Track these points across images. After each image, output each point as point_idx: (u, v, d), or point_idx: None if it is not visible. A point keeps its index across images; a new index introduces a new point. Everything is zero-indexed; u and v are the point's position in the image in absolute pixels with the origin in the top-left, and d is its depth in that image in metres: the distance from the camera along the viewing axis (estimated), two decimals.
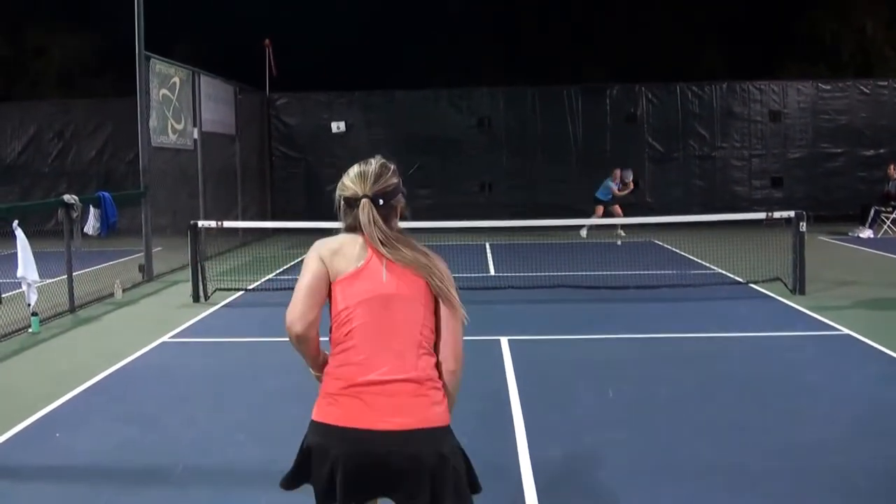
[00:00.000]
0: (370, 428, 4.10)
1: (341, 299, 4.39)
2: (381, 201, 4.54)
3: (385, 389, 4.16)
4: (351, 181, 4.73)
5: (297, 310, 4.49)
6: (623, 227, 25.79)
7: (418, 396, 4.22)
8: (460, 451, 4.44)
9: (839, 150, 30.59)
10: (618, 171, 26.31)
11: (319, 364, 4.77)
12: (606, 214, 25.59)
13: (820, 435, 8.19)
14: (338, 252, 4.40)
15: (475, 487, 4.50)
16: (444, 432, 4.34)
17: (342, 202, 4.64)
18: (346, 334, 4.41)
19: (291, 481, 4.67)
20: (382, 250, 4.33)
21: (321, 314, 4.51)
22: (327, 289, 4.41)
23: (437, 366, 4.44)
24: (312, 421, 4.40)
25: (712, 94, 30.82)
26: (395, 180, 4.76)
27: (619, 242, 24.78)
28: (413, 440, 4.13)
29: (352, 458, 4.10)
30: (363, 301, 4.32)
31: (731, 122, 30.81)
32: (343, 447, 4.13)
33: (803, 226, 15.72)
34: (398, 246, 4.37)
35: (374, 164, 4.82)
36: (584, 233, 25.81)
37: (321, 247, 4.43)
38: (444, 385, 4.47)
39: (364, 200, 4.52)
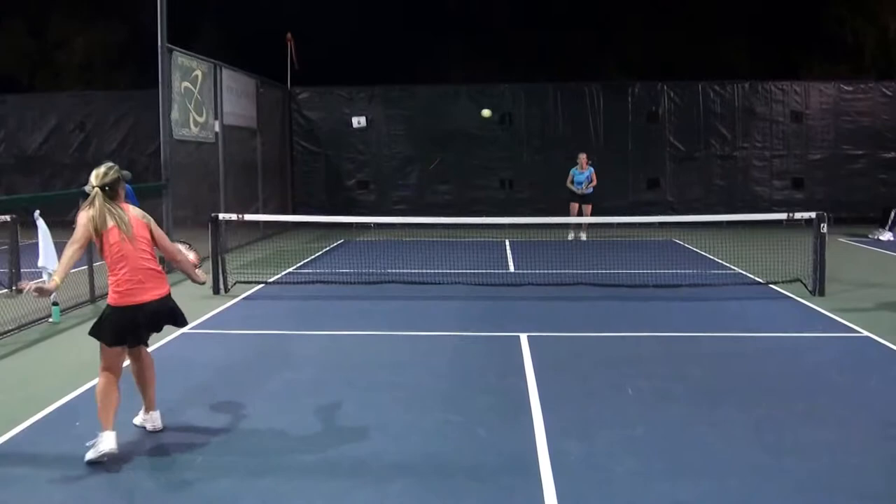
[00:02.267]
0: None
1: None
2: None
3: None
4: None
5: None
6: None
7: None
8: None
9: (860, 152, 30.44)
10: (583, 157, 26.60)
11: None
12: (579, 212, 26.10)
13: (838, 436, 8.18)
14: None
15: None
16: None
17: None
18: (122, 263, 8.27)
19: None
20: None
21: None
22: None
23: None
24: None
25: (734, 93, 30.70)
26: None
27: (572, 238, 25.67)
28: None
29: None
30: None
31: (753, 122, 30.67)
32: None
33: (824, 227, 15.66)
34: None
35: None
36: (572, 236, 25.63)
37: None
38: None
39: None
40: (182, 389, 9.96)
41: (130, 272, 7.99)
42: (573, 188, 25.81)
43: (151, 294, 8.16)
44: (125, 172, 8.56)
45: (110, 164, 8.34)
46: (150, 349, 11.66)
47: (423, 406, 9.21)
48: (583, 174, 25.79)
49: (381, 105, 31.46)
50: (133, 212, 8.27)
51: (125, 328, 8.05)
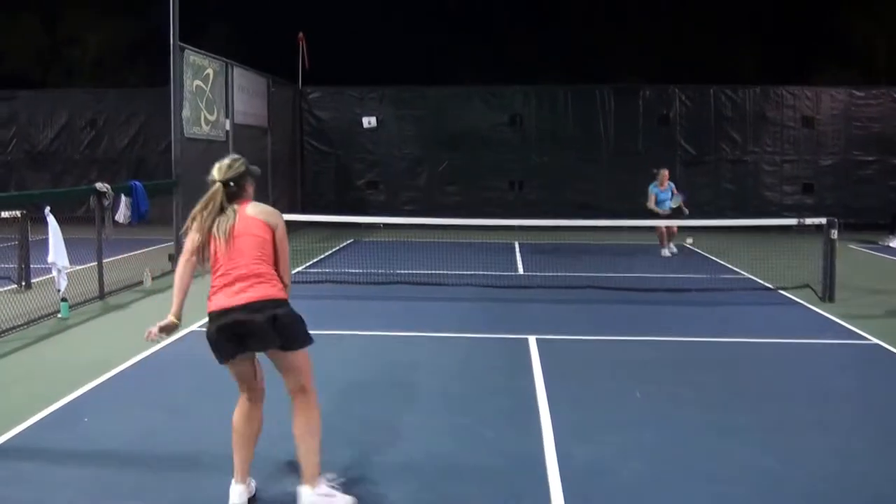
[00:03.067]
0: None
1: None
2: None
3: None
4: None
5: None
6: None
7: None
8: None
9: (871, 159, 30.39)
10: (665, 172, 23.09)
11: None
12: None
13: (846, 442, 8.16)
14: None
15: None
16: None
17: None
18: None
19: None
20: None
21: None
22: None
23: None
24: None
25: (746, 97, 30.66)
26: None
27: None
28: None
29: None
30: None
31: (764, 127, 30.63)
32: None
33: (834, 233, 15.64)
34: None
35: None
36: (667, 252, 22.69)
37: None
38: None
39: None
40: (190, 387, 9.97)
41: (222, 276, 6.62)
42: (656, 209, 22.52)
43: (243, 298, 6.56)
44: (254, 168, 7.22)
45: (236, 155, 7.24)
46: (157, 347, 11.73)
47: (431, 407, 9.21)
48: (666, 192, 22.57)
49: (392, 105, 31.48)
50: (254, 210, 6.84)
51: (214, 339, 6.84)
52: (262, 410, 7.06)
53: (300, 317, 6.83)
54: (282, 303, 6.70)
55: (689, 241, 24.05)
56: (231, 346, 6.75)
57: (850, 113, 30.54)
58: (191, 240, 6.64)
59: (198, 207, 6.76)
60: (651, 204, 22.49)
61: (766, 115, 30.63)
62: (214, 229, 6.60)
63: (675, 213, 22.47)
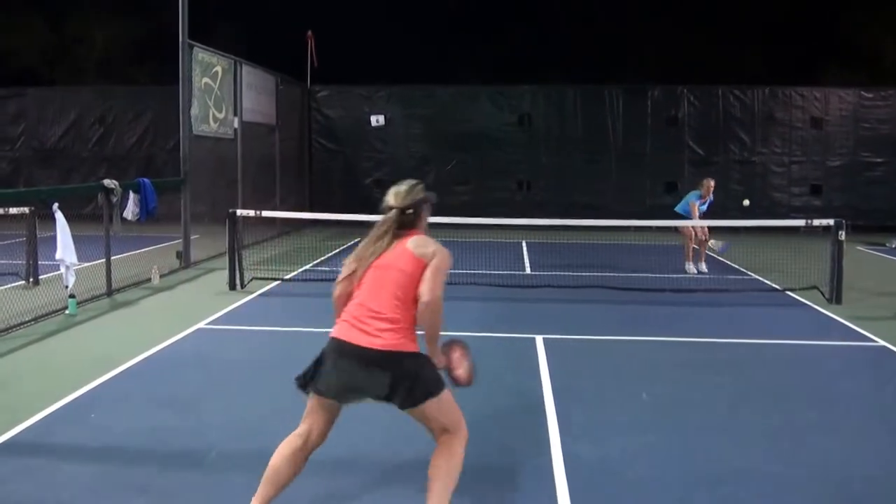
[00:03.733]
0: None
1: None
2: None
3: None
4: None
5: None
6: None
7: None
8: None
9: (880, 160, 30.35)
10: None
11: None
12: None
13: (853, 445, 8.15)
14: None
15: None
16: None
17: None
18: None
19: None
20: None
21: None
22: None
23: None
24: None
25: (754, 98, 30.63)
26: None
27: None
28: None
29: None
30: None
31: (772, 128, 30.60)
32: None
33: (842, 234, 15.61)
34: None
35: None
36: (693, 269, 19.93)
37: None
38: None
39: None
40: (197, 384, 9.98)
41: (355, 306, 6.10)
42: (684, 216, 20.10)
43: (365, 340, 5.93)
44: (430, 193, 6.57)
45: (413, 180, 6.53)
46: (164, 344, 11.77)
47: None
48: (704, 205, 20.05)
49: (400, 104, 31.50)
50: (413, 244, 6.19)
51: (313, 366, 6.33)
52: (307, 459, 6.33)
53: (425, 369, 6.09)
54: (407, 356, 5.96)
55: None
56: (332, 385, 6.18)
57: (858, 114, 30.51)
58: (347, 266, 6.30)
59: (371, 235, 6.34)
60: (694, 216, 19.59)
61: (774, 115, 30.61)
62: (367, 255, 6.19)
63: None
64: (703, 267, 19.77)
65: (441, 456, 6.09)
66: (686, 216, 19.77)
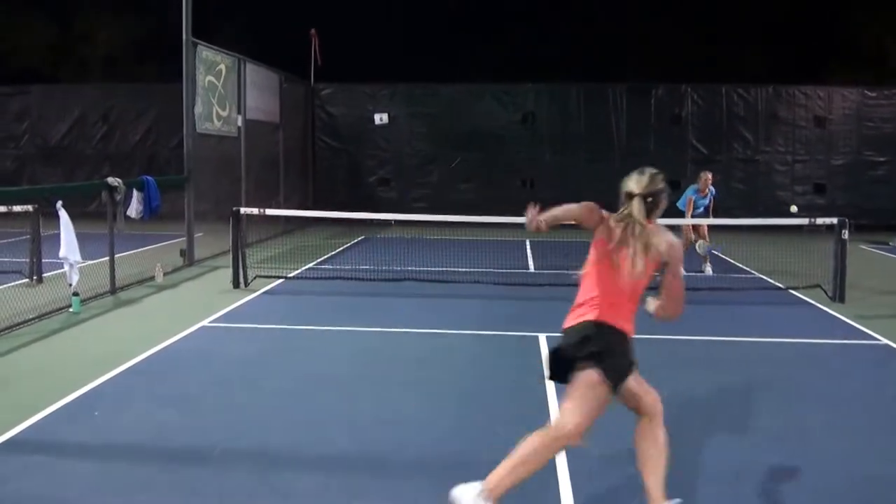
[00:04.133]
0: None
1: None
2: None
3: None
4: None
5: None
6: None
7: None
8: None
9: (883, 159, 30.33)
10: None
11: None
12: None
13: (856, 443, 8.16)
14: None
15: None
16: None
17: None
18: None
19: None
20: None
21: None
22: None
23: None
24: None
25: (758, 97, 30.63)
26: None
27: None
28: None
29: None
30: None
31: (776, 127, 30.60)
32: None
33: (846, 233, 15.61)
34: None
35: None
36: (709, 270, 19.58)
37: None
38: None
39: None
40: (201, 382, 10.01)
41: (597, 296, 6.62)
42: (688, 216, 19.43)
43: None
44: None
45: (654, 169, 6.56)
46: (167, 342, 11.79)
47: (442, 404, 9.24)
48: (706, 199, 19.67)
49: (404, 102, 31.52)
50: (657, 240, 6.47)
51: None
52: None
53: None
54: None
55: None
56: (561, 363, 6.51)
57: (861, 113, 30.50)
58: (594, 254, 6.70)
59: (613, 218, 6.55)
60: (688, 212, 19.30)
61: (777, 114, 30.60)
62: (625, 244, 6.40)
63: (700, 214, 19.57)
64: (709, 269, 19.36)
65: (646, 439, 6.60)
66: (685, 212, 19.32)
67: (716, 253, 20.44)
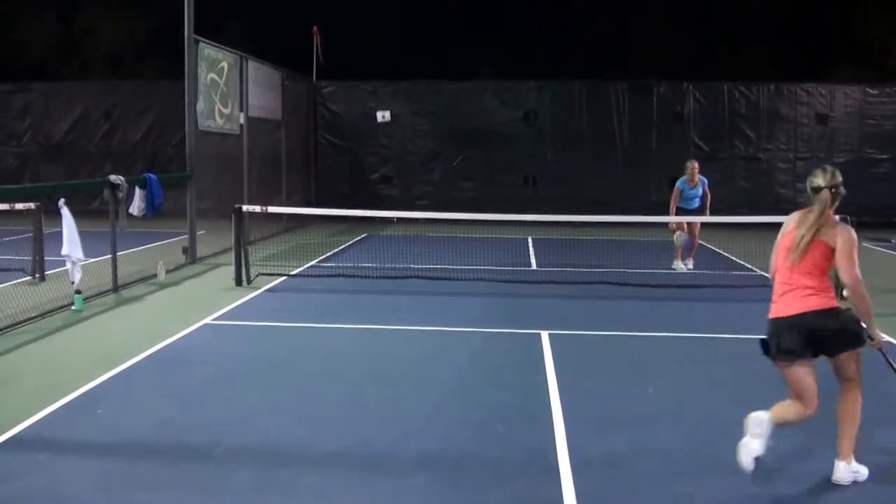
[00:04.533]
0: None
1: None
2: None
3: None
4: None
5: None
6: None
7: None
8: None
9: (885, 157, 30.31)
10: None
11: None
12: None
13: (860, 440, 8.16)
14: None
15: None
16: None
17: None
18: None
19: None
20: None
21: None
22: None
23: None
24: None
25: (759, 94, 30.62)
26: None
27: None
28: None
29: None
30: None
31: (778, 124, 30.57)
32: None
33: None
34: None
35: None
36: (682, 267, 19.56)
37: None
38: None
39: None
40: (203, 379, 10.02)
41: (777, 284, 7.67)
42: (674, 209, 19.36)
43: (790, 310, 7.42)
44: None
45: (832, 166, 7.73)
46: (170, 340, 11.80)
47: (444, 401, 9.25)
48: (696, 189, 19.30)
49: (406, 100, 31.51)
50: (835, 230, 7.31)
51: (770, 340, 7.62)
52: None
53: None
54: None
55: (690, 263, 19.68)
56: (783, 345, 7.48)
57: (863, 111, 30.48)
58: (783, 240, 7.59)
59: (797, 215, 7.54)
60: (672, 203, 19.27)
61: (779, 112, 30.58)
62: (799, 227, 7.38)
63: (696, 212, 19.29)
64: (690, 263, 19.53)
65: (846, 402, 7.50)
66: (683, 208, 19.16)
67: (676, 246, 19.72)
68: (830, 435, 7.37)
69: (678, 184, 19.34)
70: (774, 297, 7.59)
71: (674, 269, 19.29)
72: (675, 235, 19.20)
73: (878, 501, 6.95)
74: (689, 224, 19.18)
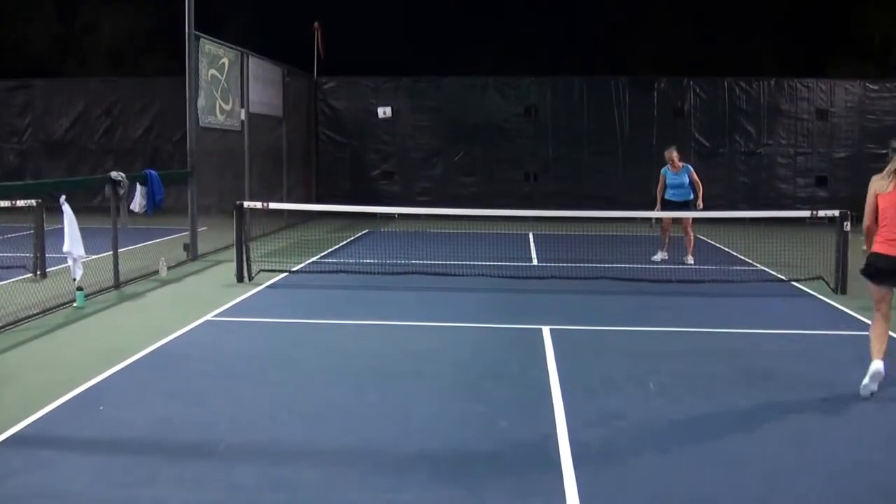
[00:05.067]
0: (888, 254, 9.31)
1: (881, 206, 9.41)
2: None
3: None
4: None
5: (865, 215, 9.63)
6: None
7: None
8: None
9: (885, 152, 29.98)
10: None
11: (870, 240, 9.64)
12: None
13: (859, 432, 8.19)
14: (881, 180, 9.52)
15: None
16: None
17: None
18: (883, 222, 9.38)
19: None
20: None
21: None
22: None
23: None
24: (871, 252, 9.57)
25: (760, 90, 30.62)
26: None
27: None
28: None
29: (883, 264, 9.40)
30: (888, 206, 9.31)
31: (778, 119, 30.58)
32: (880, 262, 9.41)
33: (847, 225, 15.62)
34: None
35: None
36: (658, 256, 19.91)
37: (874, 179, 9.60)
38: None
39: None
40: (205, 376, 10.02)
41: (887, 230, 9.32)
42: (660, 200, 19.63)
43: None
44: None
45: None
46: (172, 336, 11.82)
47: (446, 396, 9.26)
48: (678, 176, 19.39)
49: (407, 96, 31.53)
50: None
51: (873, 270, 9.59)
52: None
53: None
54: None
55: (690, 259, 19.55)
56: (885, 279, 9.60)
57: (864, 106, 30.48)
58: (869, 202, 9.57)
59: (882, 175, 9.56)
60: (659, 191, 19.58)
61: (780, 107, 30.58)
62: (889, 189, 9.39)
63: (685, 206, 19.29)
64: (690, 259, 19.47)
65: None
66: (672, 200, 19.36)
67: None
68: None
69: (662, 171, 19.61)
70: (879, 237, 9.44)
71: (654, 260, 19.61)
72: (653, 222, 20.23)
73: None
74: (680, 219, 19.45)
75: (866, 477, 7.13)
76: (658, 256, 19.81)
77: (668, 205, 19.34)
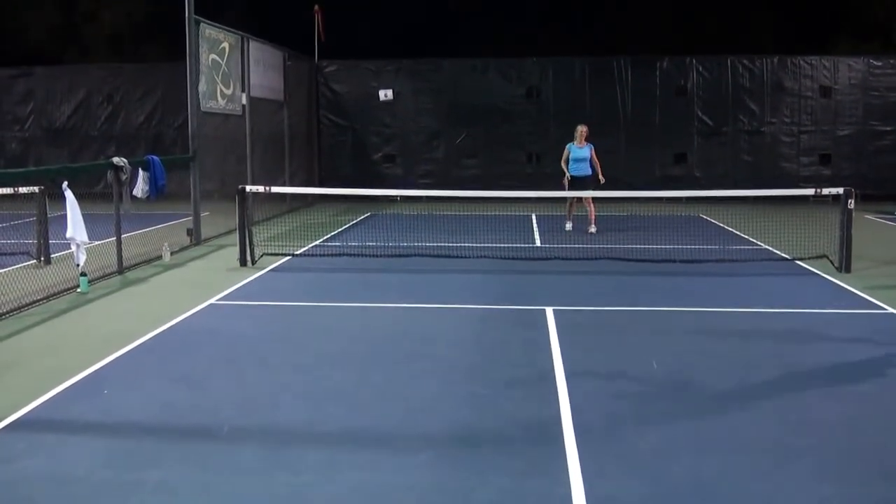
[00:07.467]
0: None
1: None
2: None
3: None
4: None
5: None
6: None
7: None
8: None
9: (888, 129, 30.21)
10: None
11: None
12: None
13: (862, 412, 8.18)
14: None
15: None
16: None
17: None
18: None
19: None
20: None
21: None
22: None
23: None
24: None
25: (763, 68, 30.52)
26: None
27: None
28: None
29: None
30: None
31: (781, 97, 30.46)
32: None
33: (851, 203, 15.60)
34: None
35: None
36: (569, 226, 22.06)
37: None
38: None
39: None
40: (209, 360, 10.03)
41: None
42: (565, 169, 21.71)
43: None
44: None
45: None
46: (175, 321, 11.83)
47: (449, 378, 9.26)
48: (581, 150, 21.57)
49: (409, 78, 31.44)
50: None
51: None
52: None
53: None
54: None
55: (592, 228, 21.47)
56: None
57: (867, 83, 30.37)
58: None
59: None
60: (563, 162, 21.79)
61: (783, 85, 30.47)
62: None
63: (593, 182, 21.27)
64: (591, 229, 21.38)
65: None
66: (575, 175, 21.50)
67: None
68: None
69: (568, 145, 21.92)
70: None
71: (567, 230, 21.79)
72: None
73: None
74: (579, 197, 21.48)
75: (868, 458, 7.13)
76: (569, 226, 21.93)
77: (571, 181, 21.51)
